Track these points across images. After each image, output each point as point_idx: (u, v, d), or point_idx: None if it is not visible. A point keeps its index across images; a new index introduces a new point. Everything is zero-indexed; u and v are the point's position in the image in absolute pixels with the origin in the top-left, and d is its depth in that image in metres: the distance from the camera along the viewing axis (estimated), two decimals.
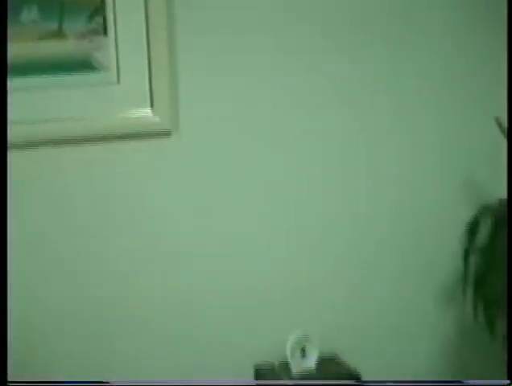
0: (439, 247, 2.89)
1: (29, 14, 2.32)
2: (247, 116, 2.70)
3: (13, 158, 2.28)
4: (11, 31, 2.26)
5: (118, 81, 2.46)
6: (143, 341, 2.73)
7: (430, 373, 3.02)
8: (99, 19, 2.40)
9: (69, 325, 2.63)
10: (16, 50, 2.30)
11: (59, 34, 2.37)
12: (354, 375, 2.63)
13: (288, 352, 2.65)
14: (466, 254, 2.77)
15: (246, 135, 2.71)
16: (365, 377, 2.65)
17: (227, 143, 2.69)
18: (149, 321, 2.73)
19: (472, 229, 2.75)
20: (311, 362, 2.68)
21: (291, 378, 2.62)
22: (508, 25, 2.81)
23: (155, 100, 2.50)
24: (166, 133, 2.58)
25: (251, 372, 2.78)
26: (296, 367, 2.65)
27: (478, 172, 2.89)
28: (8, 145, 2.08)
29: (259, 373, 2.74)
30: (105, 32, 2.42)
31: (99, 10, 2.39)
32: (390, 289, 2.93)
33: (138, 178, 2.60)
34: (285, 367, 2.67)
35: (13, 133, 2.21)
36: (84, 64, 2.42)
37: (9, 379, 2.00)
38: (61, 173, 2.52)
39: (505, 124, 2.62)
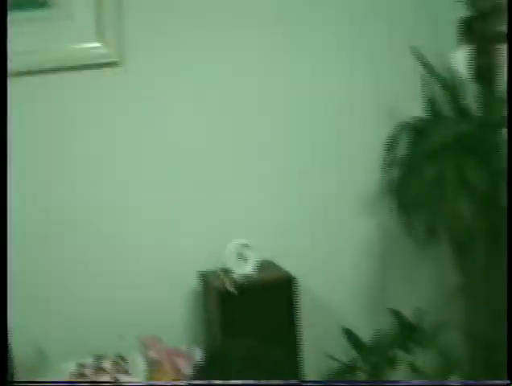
0: (363, 160, 3.13)
1: None
2: (191, 51, 2.89)
3: None
4: None
5: (69, 16, 2.62)
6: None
7: (356, 276, 3.29)
8: None
9: None
10: None
11: None
12: (289, 277, 2.88)
13: (229, 258, 2.89)
14: (387, 165, 3.06)
15: (188, 68, 2.91)
16: (299, 279, 2.89)
17: (171, 74, 2.89)
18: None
19: (392, 143, 3.03)
20: (250, 267, 2.91)
21: (233, 281, 2.84)
22: (508, 25, 2.90)
23: (104, 33, 2.68)
24: (113, 65, 2.77)
25: (195, 280, 3.01)
26: (237, 271, 2.88)
27: (397, 94, 3.13)
28: None
29: (204, 278, 2.97)
30: None
31: None
32: (319, 200, 3.15)
33: (88, 106, 2.80)
34: (228, 271, 2.90)
35: None
36: (36, 1, 2.58)
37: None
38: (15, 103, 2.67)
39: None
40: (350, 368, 3.16)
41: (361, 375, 3.12)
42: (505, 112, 2.95)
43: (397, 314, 3.23)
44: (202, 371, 2.16)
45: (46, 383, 2.49)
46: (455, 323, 3.26)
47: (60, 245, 2.97)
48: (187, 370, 2.86)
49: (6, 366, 1.98)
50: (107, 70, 2.80)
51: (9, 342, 2.44)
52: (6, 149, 2.08)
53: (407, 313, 3.23)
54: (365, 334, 3.20)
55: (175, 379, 2.92)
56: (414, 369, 3.20)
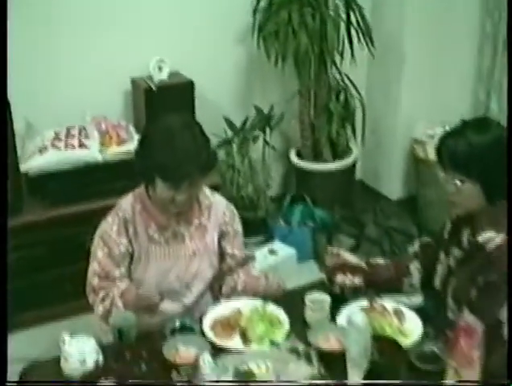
0: (239, 7, 3.79)
1: None
2: None
3: None
4: None
5: None
6: None
7: (234, 84, 3.94)
8: None
9: None
10: None
11: None
12: (190, 82, 3.52)
13: (151, 69, 3.54)
14: (254, 11, 3.73)
15: None
16: (196, 84, 3.50)
17: None
18: None
19: None
20: (164, 75, 3.57)
21: (154, 84, 3.47)
22: (508, 25, 3.21)
23: None
24: None
25: (129, 83, 3.64)
26: (156, 78, 3.53)
27: None
28: None
29: (134, 82, 3.61)
30: None
31: None
32: (211, 33, 3.78)
33: None
34: (150, 78, 3.52)
35: None
36: None
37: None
38: None
39: None
40: (226, 141, 3.86)
41: (235, 147, 3.84)
42: None
43: (258, 109, 3.97)
44: (143, 140, 2.36)
45: (46, 383, 2.18)
46: (293, 115, 4.07)
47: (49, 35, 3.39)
48: (126, 136, 3.45)
49: (6, 366, 1.91)
50: None
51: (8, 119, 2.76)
52: None
53: (265, 108, 3.96)
54: (239, 121, 3.88)
55: (118, 145, 3.35)
56: (267, 144, 4.00)
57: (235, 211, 2.59)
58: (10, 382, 1.87)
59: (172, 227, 2.44)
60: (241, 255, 2.60)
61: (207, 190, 2.53)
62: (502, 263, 2.16)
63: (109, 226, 2.42)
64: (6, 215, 2.11)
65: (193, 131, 2.28)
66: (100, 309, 2.40)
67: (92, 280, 2.42)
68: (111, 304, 2.37)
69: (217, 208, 2.53)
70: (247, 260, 2.63)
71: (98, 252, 2.42)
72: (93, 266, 2.42)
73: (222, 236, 2.54)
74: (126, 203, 2.44)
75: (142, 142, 2.36)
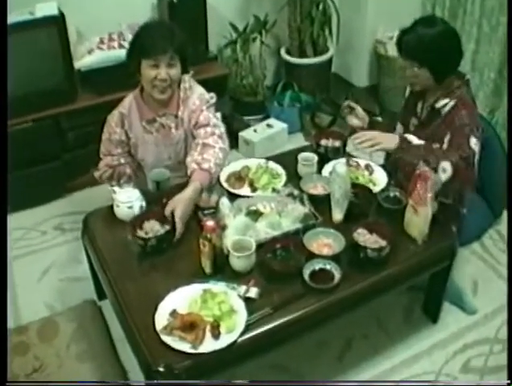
0: None
1: None
2: None
3: None
4: None
5: None
6: None
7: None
8: None
9: None
10: None
11: None
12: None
13: None
14: None
15: None
16: None
17: None
18: None
19: None
20: None
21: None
22: (508, 25, 2.82)
23: None
24: None
25: None
26: None
27: None
28: None
29: None
30: None
31: None
32: None
33: None
34: None
35: None
36: None
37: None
38: None
39: None
40: (232, 42, 3.62)
41: (238, 46, 3.59)
42: None
43: (256, 17, 3.66)
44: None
45: (45, 383, 1.75)
46: (283, 21, 3.77)
47: None
48: None
49: (6, 366, 1.57)
50: None
51: None
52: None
53: (261, 16, 3.68)
54: (242, 26, 3.63)
55: None
56: (263, 44, 3.69)
57: (208, 99, 2.35)
58: (10, 382, 1.60)
59: (158, 120, 2.36)
60: (203, 142, 2.27)
61: (191, 82, 2.36)
62: (454, 119, 2.10)
63: (112, 118, 2.41)
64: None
65: (169, 24, 2.29)
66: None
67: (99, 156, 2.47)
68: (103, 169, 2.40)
69: (190, 99, 2.34)
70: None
71: (103, 136, 2.45)
72: (101, 146, 2.47)
73: (194, 125, 2.34)
74: (126, 101, 2.40)
75: (131, 40, 2.29)
